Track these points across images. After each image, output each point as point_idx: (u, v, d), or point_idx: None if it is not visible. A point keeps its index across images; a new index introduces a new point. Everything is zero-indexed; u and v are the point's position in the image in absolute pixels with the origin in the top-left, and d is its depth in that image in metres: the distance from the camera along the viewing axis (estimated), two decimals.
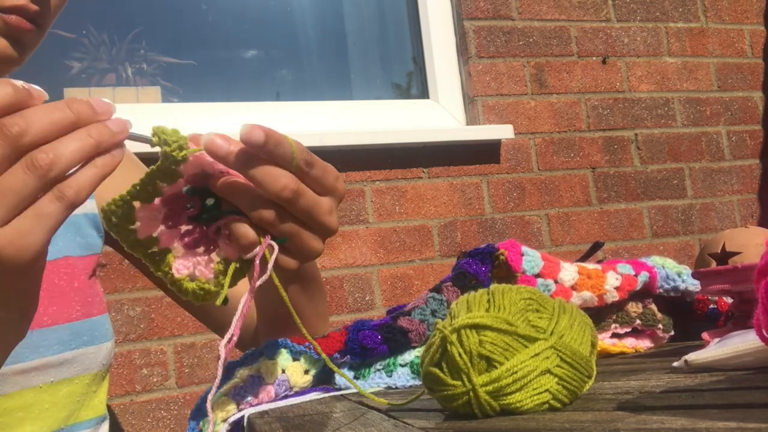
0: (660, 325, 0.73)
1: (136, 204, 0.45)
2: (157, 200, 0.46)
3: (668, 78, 2.08)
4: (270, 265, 0.45)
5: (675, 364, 0.47)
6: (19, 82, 0.39)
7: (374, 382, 0.61)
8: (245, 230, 0.46)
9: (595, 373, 0.44)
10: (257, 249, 0.46)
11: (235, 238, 0.46)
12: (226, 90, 1.91)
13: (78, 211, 0.78)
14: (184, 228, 0.48)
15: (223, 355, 0.43)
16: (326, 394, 0.60)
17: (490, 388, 0.40)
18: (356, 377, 0.62)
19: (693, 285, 0.74)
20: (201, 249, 0.49)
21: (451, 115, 1.90)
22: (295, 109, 1.81)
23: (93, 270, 0.79)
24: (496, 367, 0.40)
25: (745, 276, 0.58)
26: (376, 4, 2.09)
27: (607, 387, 0.47)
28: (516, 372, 0.40)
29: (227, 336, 0.44)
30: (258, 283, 0.45)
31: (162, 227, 0.47)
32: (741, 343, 0.44)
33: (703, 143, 2.09)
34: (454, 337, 0.42)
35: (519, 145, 1.90)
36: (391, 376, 0.61)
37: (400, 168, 1.77)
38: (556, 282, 0.67)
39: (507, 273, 0.68)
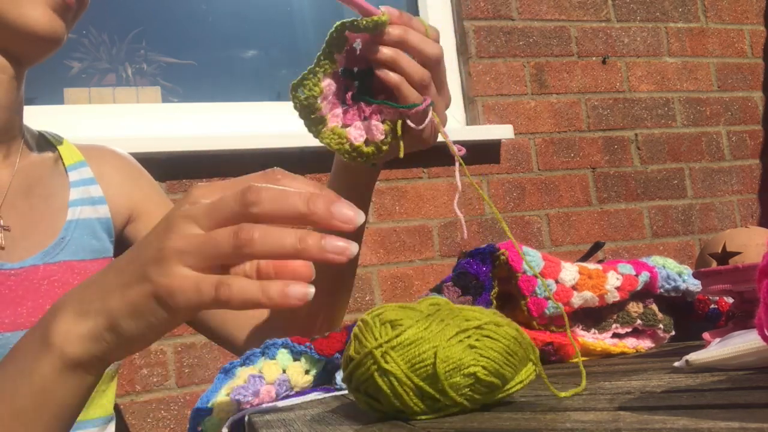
0: (661, 325, 0.73)
1: (320, 76, 0.58)
2: (329, 79, 0.59)
3: (668, 78, 2.08)
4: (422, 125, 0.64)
5: (676, 364, 0.47)
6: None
7: None
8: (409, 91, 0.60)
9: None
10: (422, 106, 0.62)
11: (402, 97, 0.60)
12: (226, 90, 1.91)
13: (92, 215, 0.80)
14: (344, 107, 0.62)
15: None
16: (327, 394, 0.60)
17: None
18: None
19: (694, 285, 0.74)
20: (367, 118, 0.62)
21: (451, 115, 1.90)
22: None
23: None
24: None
25: (746, 276, 0.58)
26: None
27: (608, 387, 0.47)
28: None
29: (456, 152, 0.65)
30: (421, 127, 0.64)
31: (330, 107, 0.61)
32: (742, 343, 0.44)
33: (703, 143, 2.09)
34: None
35: (519, 145, 1.90)
36: None
37: (400, 168, 1.77)
38: (557, 282, 0.67)
39: (508, 273, 0.68)
